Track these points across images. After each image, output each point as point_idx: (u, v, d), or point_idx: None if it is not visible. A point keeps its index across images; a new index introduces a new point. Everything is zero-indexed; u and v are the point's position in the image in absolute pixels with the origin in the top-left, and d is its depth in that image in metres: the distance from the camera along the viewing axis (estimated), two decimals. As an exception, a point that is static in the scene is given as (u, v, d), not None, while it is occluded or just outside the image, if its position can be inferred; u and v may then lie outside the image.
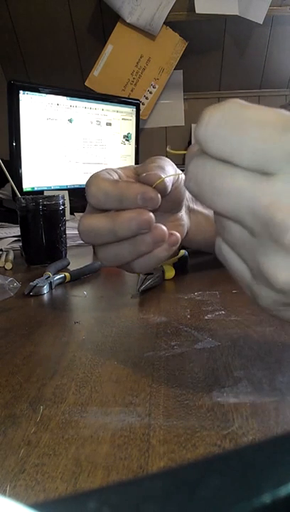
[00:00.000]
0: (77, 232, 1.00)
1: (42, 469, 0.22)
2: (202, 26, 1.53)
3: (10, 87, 1.06)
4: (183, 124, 1.76)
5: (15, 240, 0.91)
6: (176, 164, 0.41)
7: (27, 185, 1.11)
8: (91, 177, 0.37)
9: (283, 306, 0.24)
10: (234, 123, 0.21)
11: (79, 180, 1.25)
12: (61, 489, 0.20)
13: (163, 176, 0.36)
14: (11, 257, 0.75)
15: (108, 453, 0.23)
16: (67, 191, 1.21)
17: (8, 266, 0.70)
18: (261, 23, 1.46)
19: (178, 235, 0.38)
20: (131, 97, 1.56)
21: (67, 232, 0.75)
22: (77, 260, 0.71)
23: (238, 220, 0.22)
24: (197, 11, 1.42)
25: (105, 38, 1.55)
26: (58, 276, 0.58)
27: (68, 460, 0.22)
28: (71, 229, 0.94)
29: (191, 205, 0.49)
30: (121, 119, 1.37)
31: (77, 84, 1.54)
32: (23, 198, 0.71)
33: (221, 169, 0.22)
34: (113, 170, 0.40)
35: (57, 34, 1.57)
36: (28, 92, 1.09)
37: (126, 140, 1.40)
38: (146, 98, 1.63)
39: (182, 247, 0.67)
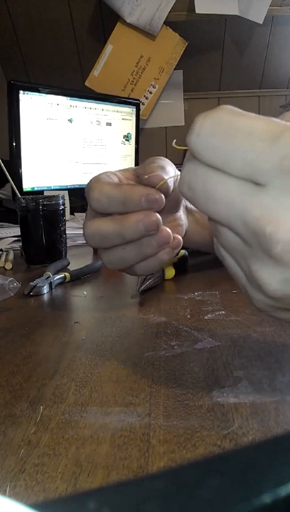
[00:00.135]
0: (77, 232, 1.00)
1: (42, 469, 0.22)
2: (202, 26, 1.53)
3: (10, 87, 1.06)
4: (183, 124, 1.75)
5: (15, 240, 0.91)
6: (176, 164, 0.41)
7: (27, 185, 1.11)
8: (91, 181, 0.37)
9: (276, 309, 0.24)
10: (224, 132, 0.21)
11: (79, 180, 1.25)
12: (61, 489, 0.20)
13: (165, 176, 0.36)
14: (11, 257, 0.75)
15: (108, 453, 0.23)
16: (67, 191, 1.21)
17: (8, 266, 0.70)
18: (261, 23, 1.46)
19: (180, 238, 0.38)
20: (131, 97, 1.56)
21: (67, 232, 0.75)
22: (77, 260, 0.71)
23: (230, 227, 0.23)
24: (197, 11, 1.42)
25: (105, 38, 1.55)
26: (58, 276, 0.58)
27: (68, 460, 0.22)
28: (71, 229, 0.94)
29: (188, 204, 0.49)
30: (121, 119, 1.37)
31: (77, 84, 1.54)
32: (23, 198, 0.71)
33: (213, 176, 0.22)
34: (112, 173, 0.40)
35: (57, 34, 1.57)
36: (28, 92, 1.09)
37: (126, 140, 1.40)
38: (146, 98, 1.63)
39: (181, 247, 0.67)
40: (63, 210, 0.73)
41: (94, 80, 1.58)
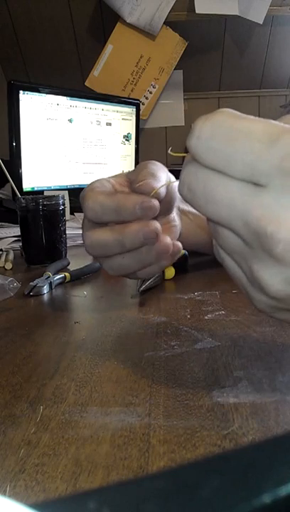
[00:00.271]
0: (77, 232, 1.00)
1: (42, 469, 0.22)
2: (202, 26, 1.53)
3: (10, 87, 1.06)
4: (183, 124, 1.75)
5: (15, 240, 0.91)
6: (176, 165, 0.41)
7: (27, 185, 1.11)
8: (85, 190, 0.38)
9: (277, 310, 0.24)
10: (224, 135, 0.21)
11: (79, 180, 1.25)
12: (61, 489, 0.20)
13: (156, 184, 0.36)
14: (11, 257, 0.75)
15: (108, 453, 0.23)
16: (67, 191, 1.21)
17: (8, 266, 0.70)
18: (261, 23, 1.46)
19: (179, 245, 0.39)
20: (131, 97, 1.56)
21: (67, 232, 0.75)
22: (77, 260, 0.70)
23: (231, 228, 0.23)
24: (197, 11, 1.42)
25: (105, 38, 1.55)
26: (58, 276, 0.58)
27: (68, 460, 0.22)
28: (71, 229, 0.94)
29: (181, 205, 0.49)
30: (121, 119, 1.37)
31: (77, 85, 1.54)
32: (23, 198, 0.71)
33: (214, 178, 0.22)
34: (106, 180, 0.40)
35: (57, 34, 1.57)
36: (28, 92, 1.09)
37: (126, 140, 1.40)
38: (146, 98, 1.63)
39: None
40: (63, 210, 0.73)
41: (94, 80, 1.58)
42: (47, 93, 1.13)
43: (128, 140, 1.40)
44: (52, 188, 1.18)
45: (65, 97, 1.18)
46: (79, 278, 0.61)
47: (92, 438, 0.24)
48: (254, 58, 1.67)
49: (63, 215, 0.73)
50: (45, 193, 1.13)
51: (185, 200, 0.24)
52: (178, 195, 0.46)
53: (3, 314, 0.47)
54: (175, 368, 0.32)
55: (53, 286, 0.56)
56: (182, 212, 0.50)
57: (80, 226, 0.42)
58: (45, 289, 0.54)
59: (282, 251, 0.20)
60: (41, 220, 0.70)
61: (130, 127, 1.40)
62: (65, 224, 0.74)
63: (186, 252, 0.62)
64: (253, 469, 0.12)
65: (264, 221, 0.20)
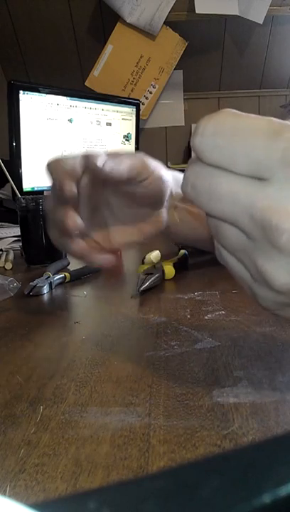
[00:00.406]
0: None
1: (42, 469, 0.22)
2: (202, 26, 1.53)
3: (10, 87, 1.06)
4: (183, 124, 1.75)
5: (16, 240, 0.91)
6: (175, 164, 0.41)
7: (27, 185, 1.11)
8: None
9: (283, 305, 0.24)
10: (228, 132, 0.21)
11: (79, 180, 1.25)
12: (61, 489, 0.20)
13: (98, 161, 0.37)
14: (11, 257, 0.75)
15: (108, 453, 0.23)
16: (67, 191, 1.20)
17: (8, 266, 0.70)
18: (261, 23, 1.46)
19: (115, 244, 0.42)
20: (131, 97, 1.56)
21: (67, 232, 0.75)
22: (77, 260, 0.70)
23: (235, 223, 0.23)
24: (197, 11, 1.42)
25: (105, 38, 1.55)
26: (58, 276, 0.58)
27: (68, 460, 0.22)
28: (71, 229, 0.94)
29: (178, 203, 0.49)
30: (121, 119, 1.37)
31: (77, 84, 1.54)
32: (23, 198, 0.71)
33: (218, 175, 0.22)
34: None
35: (57, 34, 1.57)
36: (28, 92, 1.09)
37: (126, 140, 1.40)
38: (146, 98, 1.63)
39: (181, 247, 0.67)
40: (63, 210, 0.73)
41: (94, 80, 1.58)
42: (47, 93, 1.13)
43: (128, 140, 1.40)
44: (52, 188, 1.18)
45: (65, 97, 1.18)
46: (79, 278, 0.61)
47: (92, 438, 0.24)
48: (254, 58, 1.67)
49: (63, 215, 0.73)
50: (45, 193, 1.13)
51: (188, 198, 0.24)
52: (174, 192, 0.46)
53: (3, 314, 0.47)
54: (175, 368, 0.32)
55: (53, 286, 0.56)
56: (180, 210, 0.49)
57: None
58: (45, 289, 0.54)
59: (287, 241, 0.20)
60: (41, 220, 0.70)
61: (130, 127, 1.40)
62: (65, 224, 0.74)
63: (186, 252, 0.62)
64: (253, 469, 0.12)
65: (269, 212, 0.21)
